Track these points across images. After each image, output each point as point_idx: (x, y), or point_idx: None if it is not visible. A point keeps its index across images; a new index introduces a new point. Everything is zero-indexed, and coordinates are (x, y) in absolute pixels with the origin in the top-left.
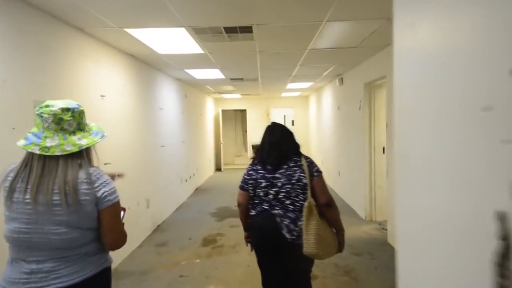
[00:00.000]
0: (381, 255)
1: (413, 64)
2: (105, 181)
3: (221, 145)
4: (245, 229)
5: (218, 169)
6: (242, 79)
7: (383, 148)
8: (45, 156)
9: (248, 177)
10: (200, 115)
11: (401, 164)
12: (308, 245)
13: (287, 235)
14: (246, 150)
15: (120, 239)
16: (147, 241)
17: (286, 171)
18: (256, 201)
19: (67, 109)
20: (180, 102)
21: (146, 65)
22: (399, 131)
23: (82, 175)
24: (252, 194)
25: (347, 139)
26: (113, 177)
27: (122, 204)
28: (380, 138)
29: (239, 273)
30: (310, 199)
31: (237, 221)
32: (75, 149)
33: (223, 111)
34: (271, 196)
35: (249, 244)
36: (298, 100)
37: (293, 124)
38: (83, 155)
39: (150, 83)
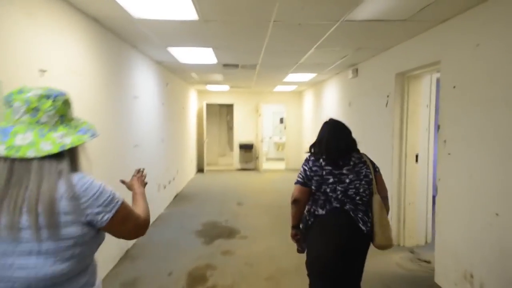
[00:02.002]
0: None
1: None
2: (95, 193)
3: (205, 144)
4: (295, 226)
5: (200, 170)
6: (237, 65)
7: (416, 156)
8: (13, 159)
9: (311, 173)
10: (182, 108)
11: None
12: (385, 238)
13: (363, 227)
14: (231, 149)
15: (140, 232)
16: (110, 278)
17: (353, 167)
18: (323, 198)
19: (46, 96)
20: (161, 92)
21: (117, 37)
22: None
23: (61, 186)
24: (314, 190)
25: (365, 142)
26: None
27: None
28: (414, 143)
29: None
30: (377, 194)
31: (231, 246)
32: (54, 150)
33: (207, 105)
34: (339, 193)
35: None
36: (291, 96)
37: (281, 122)
38: (65, 159)
39: (121, 62)
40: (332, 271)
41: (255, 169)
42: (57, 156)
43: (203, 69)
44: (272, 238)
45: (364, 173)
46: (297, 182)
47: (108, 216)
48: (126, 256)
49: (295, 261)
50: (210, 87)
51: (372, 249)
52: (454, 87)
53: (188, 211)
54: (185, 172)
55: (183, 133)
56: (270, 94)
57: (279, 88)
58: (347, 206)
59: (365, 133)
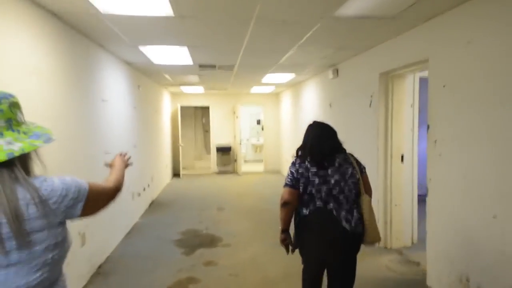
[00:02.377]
0: None
1: None
2: (62, 191)
3: (180, 148)
4: (284, 230)
5: (176, 174)
6: (214, 66)
7: (402, 156)
8: None
9: (298, 175)
10: (155, 111)
11: None
12: (376, 233)
13: (347, 226)
14: (208, 152)
15: (110, 201)
16: None
17: (339, 168)
18: (306, 199)
19: None
20: (132, 95)
21: (82, 35)
22: None
23: (23, 193)
24: (301, 192)
25: (348, 144)
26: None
27: None
28: (399, 143)
29: None
30: (365, 194)
31: (214, 255)
32: (2, 158)
33: (181, 107)
34: (323, 193)
35: (287, 246)
36: (268, 97)
37: (258, 123)
38: (16, 166)
39: (88, 62)
40: (321, 266)
41: (234, 172)
42: (7, 164)
43: (178, 71)
44: (256, 244)
45: (350, 173)
46: (286, 185)
47: (80, 204)
48: (98, 272)
49: (283, 269)
50: (185, 89)
51: (360, 252)
52: (444, 86)
53: (165, 220)
54: (161, 177)
55: (157, 137)
56: (247, 95)
57: (256, 89)
58: (330, 205)
59: (348, 134)
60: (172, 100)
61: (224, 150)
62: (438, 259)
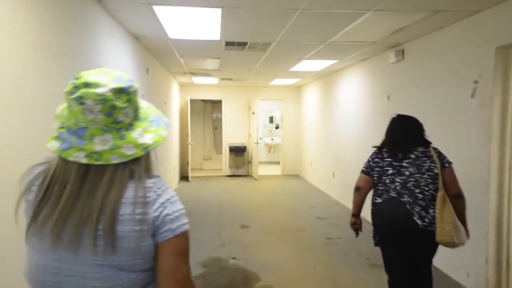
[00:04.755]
0: None
1: None
2: (169, 199)
3: (189, 146)
4: (355, 214)
5: (184, 177)
6: (244, 44)
7: None
8: (87, 166)
9: (373, 164)
10: (165, 103)
11: None
12: (444, 233)
13: (419, 221)
14: (218, 151)
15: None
16: None
17: (414, 160)
18: (381, 188)
19: (120, 90)
20: (139, 79)
21: None
22: None
23: (131, 192)
24: (376, 181)
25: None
26: None
27: None
28: None
29: None
30: (442, 189)
31: None
32: (139, 153)
33: (190, 101)
34: (397, 184)
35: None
36: (289, 91)
37: (271, 121)
38: (139, 161)
39: (82, 27)
40: (392, 253)
41: (248, 175)
42: (133, 159)
43: (197, 51)
44: (310, 285)
45: (427, 167)
46: (362, 171)
47: (168, 235)
48: None
49: None
50: (196, 80)
51: None
52: None
53: None
54: (167, 182)
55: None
56: (265, 89)
57: (277, 81)
58: (405, 198)
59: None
60: (181, 92)
61: (238, 151)
62: None
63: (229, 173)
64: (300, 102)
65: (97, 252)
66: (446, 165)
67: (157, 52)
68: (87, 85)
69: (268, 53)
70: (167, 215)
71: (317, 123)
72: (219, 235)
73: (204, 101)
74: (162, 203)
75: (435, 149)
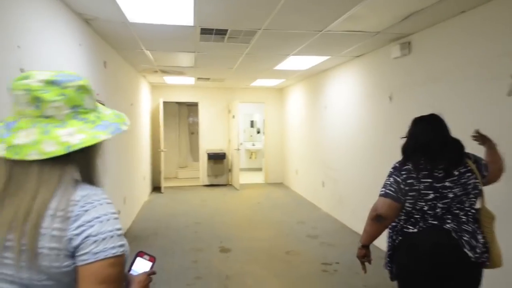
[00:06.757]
0: None
1: None
2: (98, 217)
3: (162, 154)
4: (366, 246)
5: (156, 188)
6: (224, 32)
7: None
8: (14, 161)
9: (406, 187)
10: (131, 105)
11: None
12: (498, 260)
13: (470, 253)
14: (195, 159)
15: None
16: None
17: (459, 178)
18: (417, 216)
19: (52, 82)
20: (93, 74)
21: None
22: None
23: (54, 203)
24: (409, 208)
25: None
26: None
27: None
28: None
29: None
30: (485, 207)
31: None
32: (59, 151)
33: (164, 104)
34: (438, 210)
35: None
36: (271, 93)
37: (252, 126)
38: (73, 163)
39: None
40: None
41: (228, 184)
42: (64, 159)
43: (168, 41)
44: None
45: (472, 185)
46: (387, 195)
47: (90, 259)
48: None
49: None
50: (169, 79)
51: None
52: None
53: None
54: (136, 195)
55: (134, 141)
56: (245, 90)
57: (259, 82)
58: (448, 225)
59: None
60: (153, 93)
61: (217, 158)
62: None
63: (207, 183)
64: (284, 105)
65: (19, 264)
66: (485, 173)
67: (116, 42)
68: (24, 77)
69: (251, 46)
70: (90, 235)
71: (303, 128)
72: (195, 264)
73: (179, 103)
74: (88, 221)
75: (468, 156)
